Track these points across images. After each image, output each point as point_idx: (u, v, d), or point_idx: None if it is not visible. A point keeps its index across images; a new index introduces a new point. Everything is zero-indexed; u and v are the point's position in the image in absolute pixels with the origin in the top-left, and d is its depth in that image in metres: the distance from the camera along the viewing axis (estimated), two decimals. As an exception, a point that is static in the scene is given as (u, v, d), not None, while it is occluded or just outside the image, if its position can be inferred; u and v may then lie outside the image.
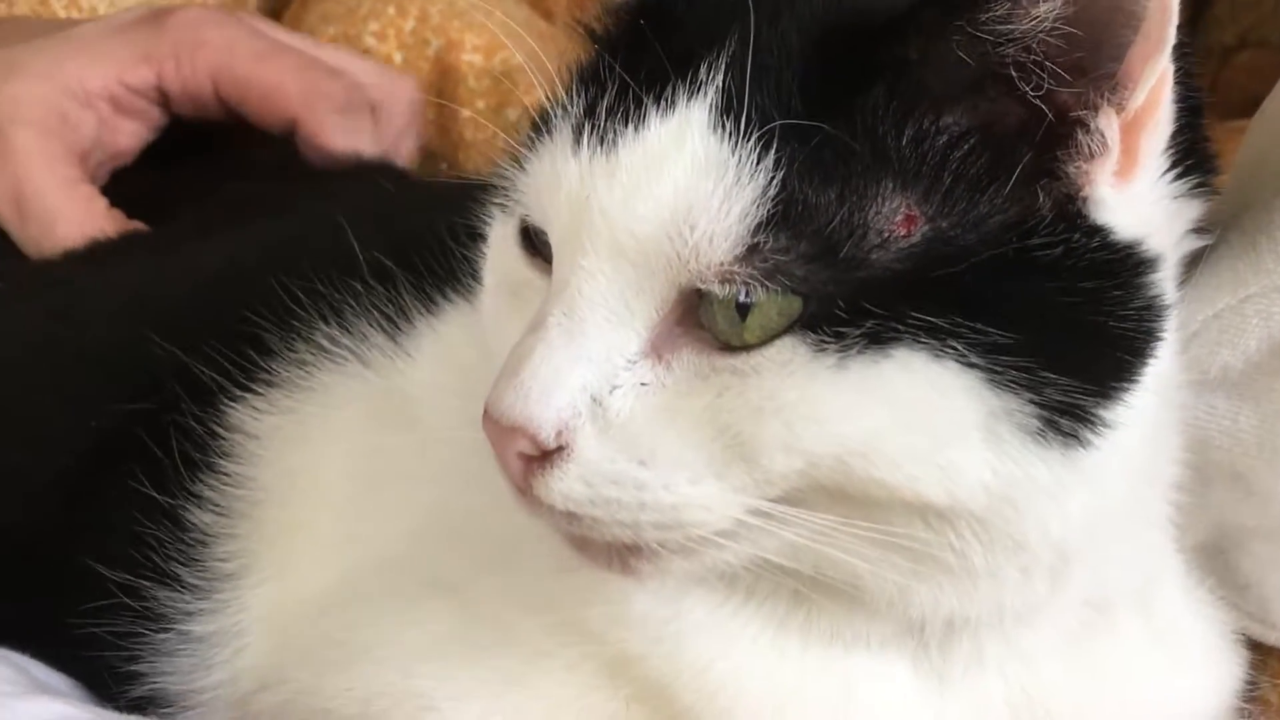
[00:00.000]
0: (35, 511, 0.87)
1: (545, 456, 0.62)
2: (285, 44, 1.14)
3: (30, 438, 0.89)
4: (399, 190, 1.02)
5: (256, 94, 1.10)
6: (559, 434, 0.61)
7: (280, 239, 0.94)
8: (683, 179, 0.61)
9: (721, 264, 0.60)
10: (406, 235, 0.87)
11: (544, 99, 0.69)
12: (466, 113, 1.25)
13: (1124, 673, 0.74)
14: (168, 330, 0.86)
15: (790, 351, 0.60)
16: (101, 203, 1.06)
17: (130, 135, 1.10)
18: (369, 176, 1.10)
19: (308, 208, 0.99)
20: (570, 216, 0.63)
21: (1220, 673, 0.79)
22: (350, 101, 1.13)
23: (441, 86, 1.28)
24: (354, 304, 0.85)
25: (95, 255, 1.02)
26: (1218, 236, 0.77)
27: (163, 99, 1.10)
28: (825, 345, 0.59)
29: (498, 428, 0.62)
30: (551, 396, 0.61)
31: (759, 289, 0.59)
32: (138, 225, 1.06)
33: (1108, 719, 0.74)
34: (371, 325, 0.85)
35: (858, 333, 0.59)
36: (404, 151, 1.17)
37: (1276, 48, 1.14)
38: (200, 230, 1.00)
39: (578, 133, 0.64)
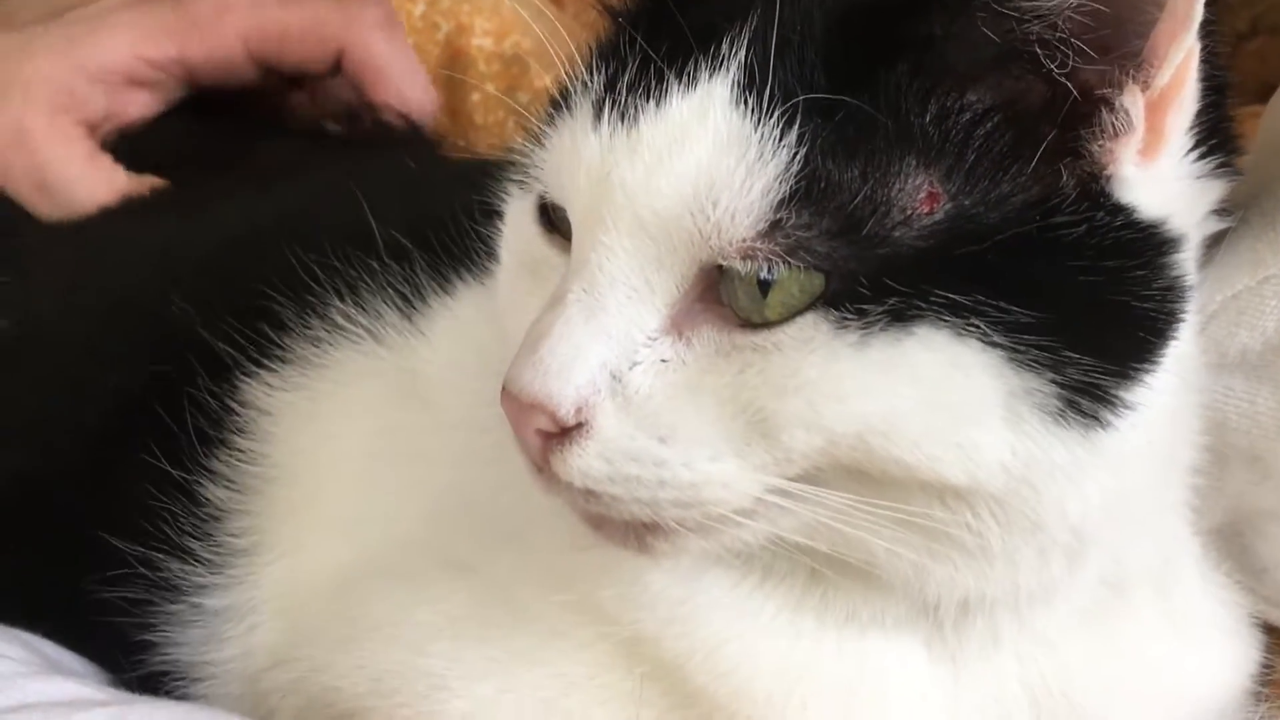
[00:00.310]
0: (59, 463, 0.87)
1: (564, 433, 0.62)
2: None
3: (58, 386, 0.90)
4: (419, 167, 1.02)
5: (297, 35, 1.10)
6: (578, 410, 0.61)
7: (297, 210, 0.94)
8: (705, 155, 0.60)
9: (744, 240, 0.59)
10: (424, 213, 0.86)
11: (563, 75, 0.68)
12: (476, 96, 1.25)
13: (1140, 655, 0.74)
14: (188, 293, 0.87)
15: (812, 329, 0.59)
16: (119, 171, 1.07)
17: (141, 105, 1.11)
18: (396, 149, 1.10)
19: (326, 179, 0.99)
20: (591, 192, 0.63)
21: (1237, 656, 0.79)
22: (389, 17, 1.14)
23: (452, 71, 1.28)
24: (370, 281, 0.85)
25: (127, 213, 1.03)
26: (1238, 217, 0.77)
27: (185, 72, 1.10)
28: (848, 322, 0.59)
29: (516, 404, 0.62)
30: (571, 373, 0.61)
31: (781, 265, 0.59)
32: (157, 183, 1.07)
33: (1124, 700, 0.74)
34: (387, 303, 0.85)
35: (880, 310, 0.59)
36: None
37: (1288, 35, 1.15)
38: (226, 191, 1.00)
39: (598, 108, 0.64)
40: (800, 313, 0.59)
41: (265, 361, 0.84)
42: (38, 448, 0.88)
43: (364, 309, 0.85)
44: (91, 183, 1.05)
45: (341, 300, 0.85)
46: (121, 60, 1.07)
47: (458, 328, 0.84)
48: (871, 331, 0.59)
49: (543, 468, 0.63)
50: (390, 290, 0.85)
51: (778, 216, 0.59)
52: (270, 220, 0.93)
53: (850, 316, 0.59)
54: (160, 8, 1.09)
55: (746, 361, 0.61)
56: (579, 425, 0.61)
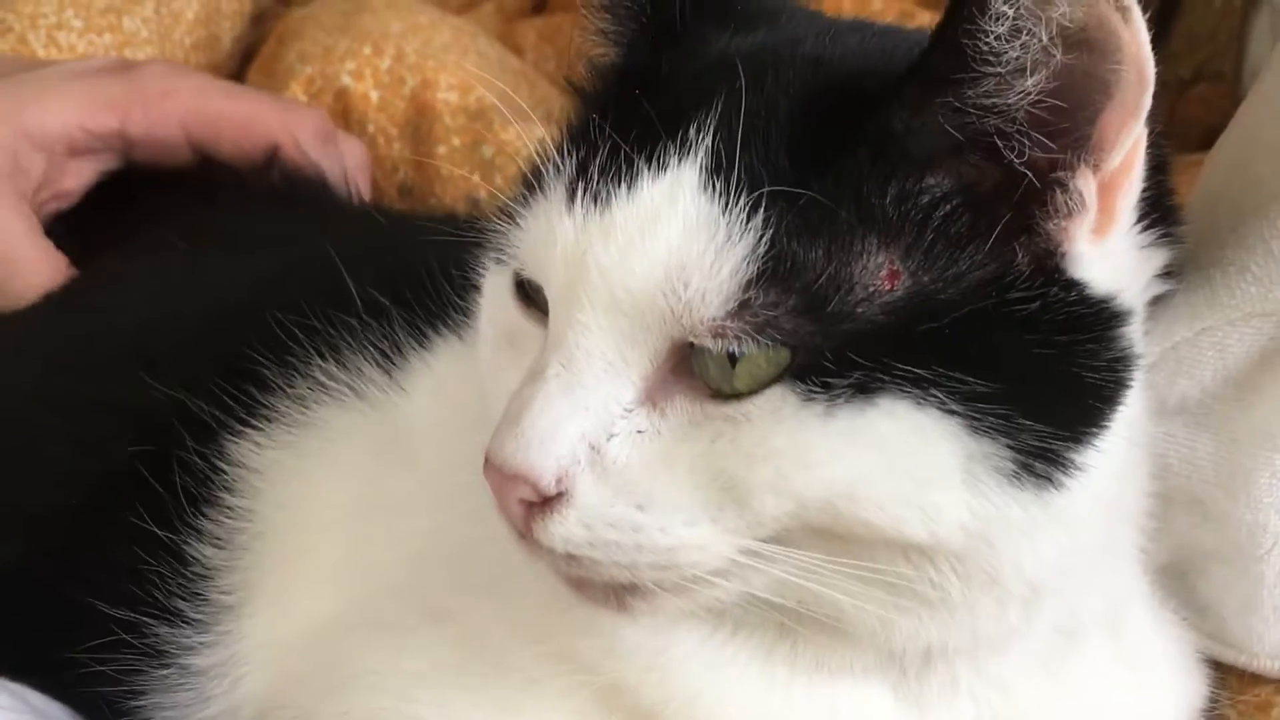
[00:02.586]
0: (42, 548, 0.88)
1: (545, 502, 0.64)
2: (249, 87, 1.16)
3: (38, 478, 0.91)
4: (390, 224, 1.04)
5: (233, 125, 1.12)
6: (559, 480, 0.64)
7: (272, 275, 0.95)
8: (675, 238, 0.63)
9: (714, 319, 0.62)
10: (398, 270, 0.89)
11: (535, 156, 0.70)
12: (443, 149, 1.27)
13: (1093, 694, 0.77)
14: (168, 371, 0.88)
15: (780, 400, 0.62)
16: (61, 257, 1.07)
17: (77, 176, 1.11)
18: (340, 209, 1.12)
19: (297, 241, 1.00)
20: (566, 272, 0.65)
21: (1186, 692, 0.82)
22: (325, 128, 1.16)
23: (418, 124, 1.30)
24: (350, 340, 0.87)
25: (83, 296, 1.03)
26: (1179, 280, 0.80)
27: (124, 145, 1.11)
28: (814, 395, 0.61)
29: (499, 475, 0.64)
30: (551, 445, 0.63)
31: (750, 342, 0.61)
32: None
33: None
34: (367, 361, 0.87)
35: (844, 383, 0.61)
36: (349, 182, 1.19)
37: (1231, 81, 1.17)
38: (191, 262, 1.01)
39: (571, 191, 0.66)
40: (768, 385, 0.62)
41: (252, 421, 0.86)
42: (22, 537, 0.89)
43: (345, 367, 0.87)
44: (36, 266, 1.05)
45: (323, 359, 0.87)
46: (64, 130, 1.08)
47: (436, 383, 0.86)
48: (837, 403, 0.61)
49: (525, 534, 0.65)
50: (370, 348, 0.87)
51: (746, 296, 0.61)
52: (246, 287, 0.95)
53: (816, 389, 0.61)
54: (108, 80, 1.10)
55: (718, 431, 0.63)
56: (560, 494, 0.64)
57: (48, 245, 1.07)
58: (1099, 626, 0.78)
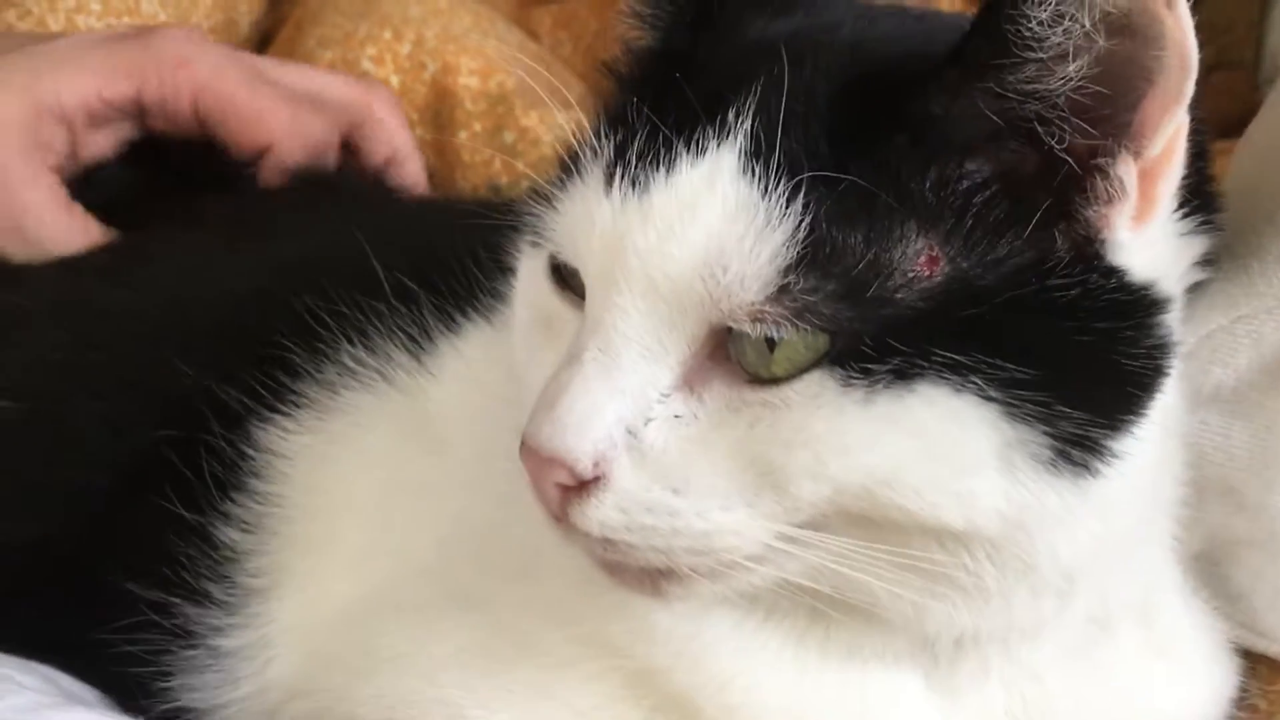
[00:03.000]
0: (71, 527, 0.88)
1: (582, 486, 0.64)
2: (269, 74, 1.14)
3: (67, 455, 0.91)
4: (419, 207, 1.04)
5: (238, 117, 1.10)
6: (596, 465, 0.63)
7: (304, 259, 0.95)
8: (714, 223, 0.63)
9: (753, 304, 0.62)
10: (426, 255, 0.88)
11: (572, 139, 0.70)
12: (464, 134, 1.27)
13: (1124, 684, 0.77)
14: (198, 356, 0.88)
15: (819, 386, 0.62)
16: (93, 221, 1.06)
17: (97, 147, 1.10)
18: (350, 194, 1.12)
19: (325, 226, 1.01)
20: (604, 256, 0.65)
21: (1218, 681, 0.82)
22: (329, 143, 1.14)
23: (439, 110, 1.30)
24: (378, 325, 0.87)
25: (109, 269, 1.02)
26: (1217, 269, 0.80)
27: (139, 112, 1.10)
28: (853, 380, 0.61)
29: (536, 458, 0.64)
30: (589, 429, 0.63)
31: (789, 327, 0.61)
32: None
33: None
34: (396, 346, 0.87)
35: (884, 369, 0.61)
36: (410, 165, 1.18)
37: (1250, 69, 1.17)
38: (223, 243, 1.01)
39: (610, 175, 0.66)
40: (806, 370, 0.62)
41: (280, 407, 0.86)
42: (52, 516, 0.89)
43: (374, 352, 0.87)
44: (67, 233, 1.04)
45: (352, 345, 0.87)
46: (83, 100, 1.06)
47: (465, 367, 0.86)
48: (876, 389, 0.61)
49: (561, 519, 0.65)
50: (399, 333, 0.87)
51: (785, 281, 0.61)
52: (276, 271, 0.95)
53: (855, 375, 0.61)
54: (125, 46, 1.09)
55: (756, 416, 0.63)
56: (596, 479, 0.64)
57: (75, 214, 1.06)
58: (1130, 615, 0.77)
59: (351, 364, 0.87)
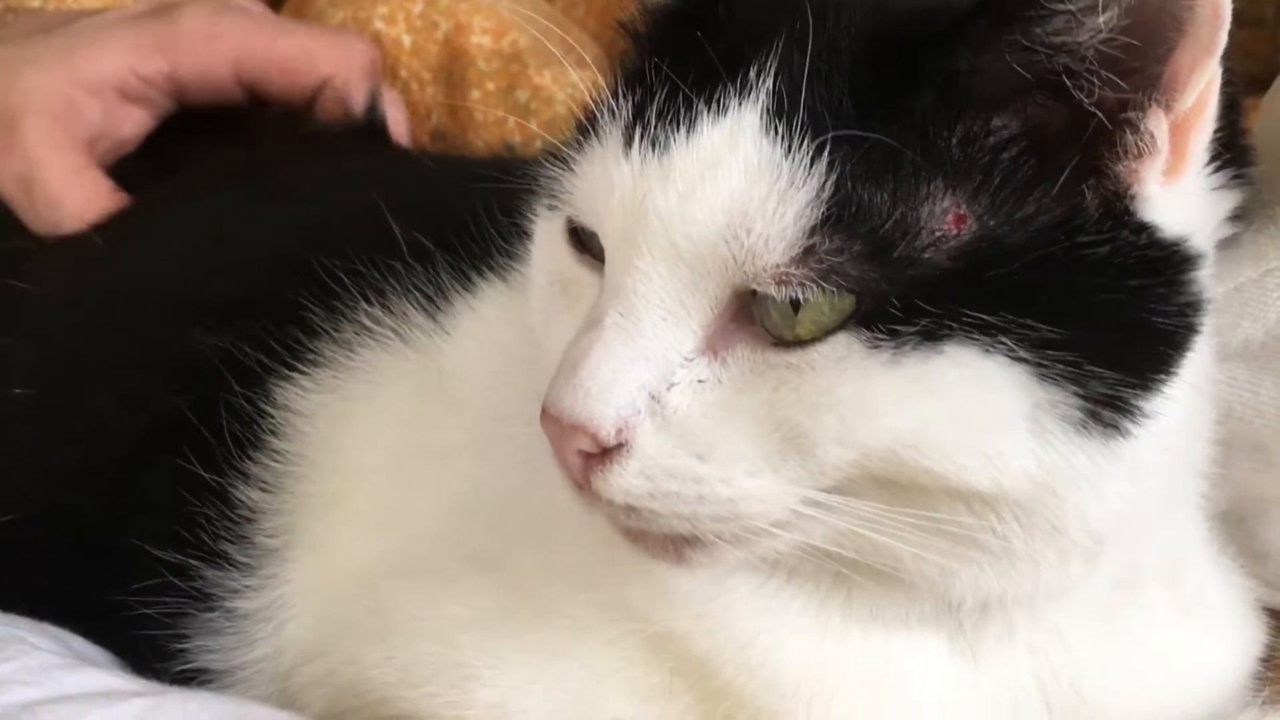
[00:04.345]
0: (89, 494, 0.88)
1: (605, 453, 0.63)
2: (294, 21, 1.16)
3: (85, 431, 0.90)
4: (436, 166, 1.03)
5: (282, 64, 1.11)
6: (619, 431, 0.63)
7: (320, 218, 0.95)
8: (737, 183, 0.61)
9: (777, 266, 0.61)
10: (442, 213, 0.88)
11: (588, 99, 0.69)
12: (476, 93, 1.25)
13: (1150, 645, 0.77)
14: (215, 319, 0.88)
15: (845, 348, 0.61)
16: (107, 186, 1.06)
17: (135, 123, 1.11)
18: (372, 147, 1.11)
19: (341, 183, 1.00)
20: (624, 219, 0.64)
21: (1244, 640, 0.81)
22: (375, 64, 1.15)
23: (451, 69, 1.28)
24: (395, 284, 0.86)
25: (131, 237, 1.02)
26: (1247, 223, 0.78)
27: (174, 89, 1.10)
28: (879, 342, 0.60)
29: (558, 426, 0.63)
30: (611, 395, 0.62)
31: (815, 289, 0.60)
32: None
33: (1131, 690, 0.76)
34: (412, 304, 0.86)
35: (911, 330, 0.60)
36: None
37: (1272, 26, 1.16)
38: (241, 205, 1.01)
39: (628, 136, 0.65)
40: (832, 332, 0.61)
41: (298, 366, 0.86)
42: (71, 485, 0.89)
43: (390, 311, 0.86)
44: (78, 196, 1.05)
45: (369, 304, 0.86)
46: (116, 74, 1.07)
47: (481, 326, 0.85)
48: (903, 350, 0.60)
49: (584, 486, 0.64)
50: (415, 292, 0.86)
51: (810, 242, 0.60)
52: (293, 231, 0.94)
53: (882, 336, 0.60)
54: (154, 23, 1.09)
55: (781, 379, 0.62)
56: (619, 445, 0.63)
57: (94, 182, 1.06)
58: (1158, 577, 0.77)
59: (368, 323, 0.86)
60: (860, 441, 0.62)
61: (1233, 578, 0.82)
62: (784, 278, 0.61)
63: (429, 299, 0.86)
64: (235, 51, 1.10)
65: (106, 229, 1.03)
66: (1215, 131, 0.65)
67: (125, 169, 1.09)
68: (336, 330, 0.86)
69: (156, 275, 0.97)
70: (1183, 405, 0.66)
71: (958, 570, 0.67)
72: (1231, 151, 0.67)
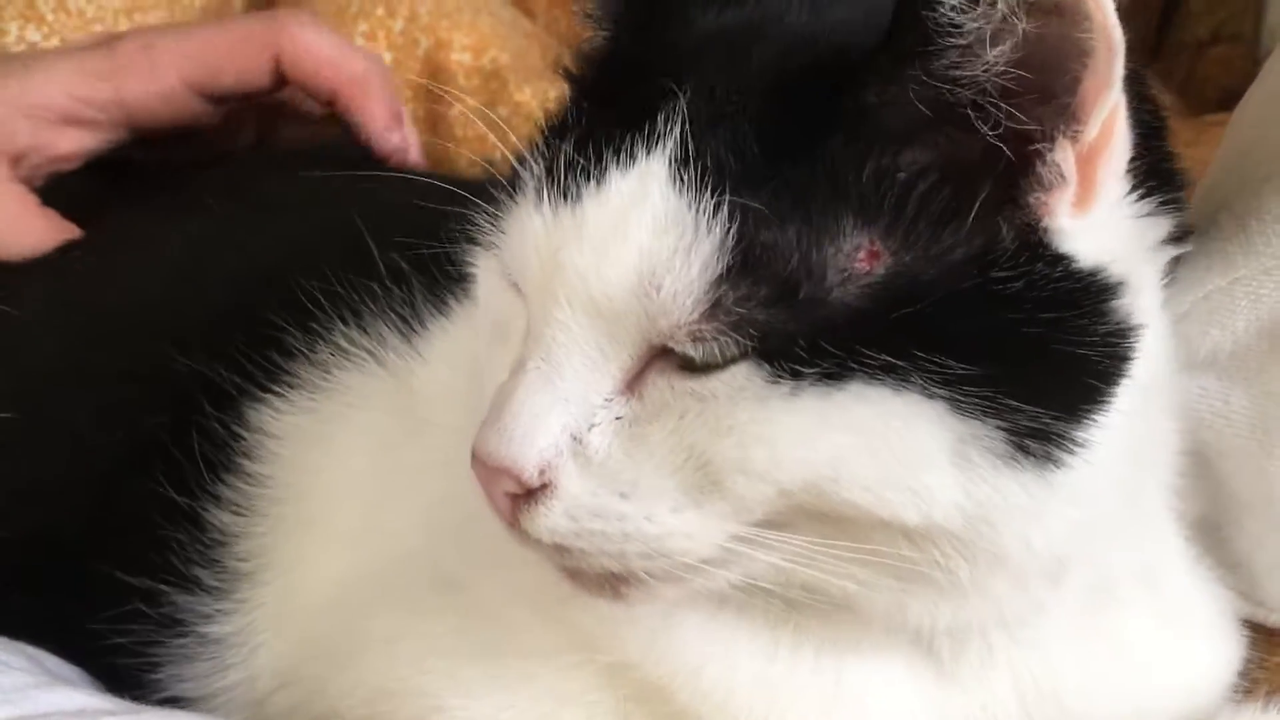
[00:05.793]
0: (64, 517, 0.89)
1: (530, 494, 0.64)
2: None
3: (62, 451, 0.92)
4: (407, 188, 1.04)
5: (226, 52, 1.09)
6: (541, 472, 0.63)
7: (299, 238, 0.96)
8: (645, 239, 0.61)
9: (689, 323, 0.61)
10: (421, 234, 0.87)
11: (515, 154, 0.69)
12: (456, 110, 1.26)
13: (1130, 651, 0.76)
14: (193, 342, 0.88)
15: (745, 378, 0.61)
16: (53, 218, 1.06)
17: (73, 141, 1.09)
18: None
19: (321, 204, 1.00)
20: (540, 271, 0.64)
21: (1225, 649, 0.81)
22: (315, 17, 1.15)
23: (432, 85, 1.29)
24: (372, 305, 0.87)
25: (97, 266, 1.02)
26: (1208, 219, 0.77)
27: (124, 114, 1.09)
28: (780, 378, 0.60)
29: (485, 468, 0.64)
30: (533, 438, 0.63)
31: (729, 342, 0.60)
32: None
33: (1112, 697, 0.76)
34: (388, 327, 0.87)
35: (812, 371, 0.60)
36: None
37: (1249, 42, 1.14)
38: (220, 224, 1.01)
39: (540, 188, 0.65)
40: (734, 362, 0.61)
41: (273, 387, 0.87)
42: (45, 506, 0.90)
43: (367, 332, 0.87)
44: (27, 229, 1.05)
45: (345, 325, 0.87)
46: (54, 98, 1.06)
47: (452, 349, 0.86)
48: (802, 386, 0.60)
49: (514, 525, 0.65)
50: (392, 314, 0.87)
51: (718, 294, 0.60)
52: (272, 250, 0.95)
53: (783, 374, 0.60)
54: (93, 55, 1.09)
55: (686, 407, 0.62)
56: (544, 486, 0.64)
57: (32, 208, 1.06)
58: (1134, 581, 0.76)
59: (344, 344, 0.87)
60: (764, 472, 0.62)
61: (1211, 587, 0.81)
62: (697, 334, 0.61)
63: (405, 321, 0.87)
64: (174, 58, 1.08)
65: (85, 250, 1.03)
66: (1136, 159, 0.64)
67: (104, 191, 1.09)
68: (312, 351, 0.87)
69: (134, 297, 0.98)
70: (1126, 430, 0.65)
71: (909, 604, 0.67)
72: (1157, 177, 0.66)
